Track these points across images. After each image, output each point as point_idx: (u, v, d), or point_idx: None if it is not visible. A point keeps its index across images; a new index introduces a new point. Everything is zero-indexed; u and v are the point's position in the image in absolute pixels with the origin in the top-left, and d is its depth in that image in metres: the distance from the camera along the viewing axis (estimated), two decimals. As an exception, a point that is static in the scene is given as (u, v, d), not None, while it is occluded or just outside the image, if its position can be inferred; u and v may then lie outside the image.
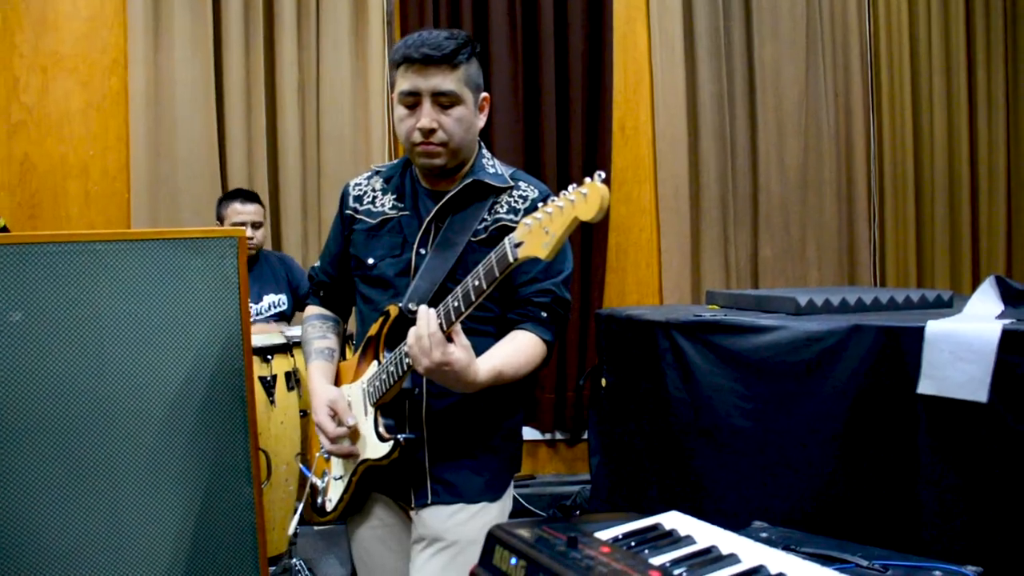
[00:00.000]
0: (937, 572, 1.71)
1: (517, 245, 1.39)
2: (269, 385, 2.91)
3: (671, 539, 1.06)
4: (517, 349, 1.72)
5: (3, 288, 1.77)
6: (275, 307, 3.73)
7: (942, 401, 2.22)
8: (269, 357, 2.93)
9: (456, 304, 1.51)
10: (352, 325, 2.01)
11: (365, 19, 4.30)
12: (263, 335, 3.07)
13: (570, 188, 1.29)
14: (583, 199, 1.27)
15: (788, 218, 4.76)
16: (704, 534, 1.08)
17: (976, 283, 4.64)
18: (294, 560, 3.07)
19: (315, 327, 2.00)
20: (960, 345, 2.22)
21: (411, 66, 1.71)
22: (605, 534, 1.06)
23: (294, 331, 3.39)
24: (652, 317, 2.93)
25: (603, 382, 3.26)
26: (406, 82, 1.73)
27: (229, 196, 3.73)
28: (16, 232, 2.56)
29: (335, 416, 1.79)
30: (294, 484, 3.00)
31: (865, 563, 1.98)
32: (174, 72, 4.13)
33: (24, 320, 1.78)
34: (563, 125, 4.46)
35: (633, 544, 1.02)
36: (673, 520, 1.14)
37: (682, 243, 4.63)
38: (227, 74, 4.18)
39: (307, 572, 3.10)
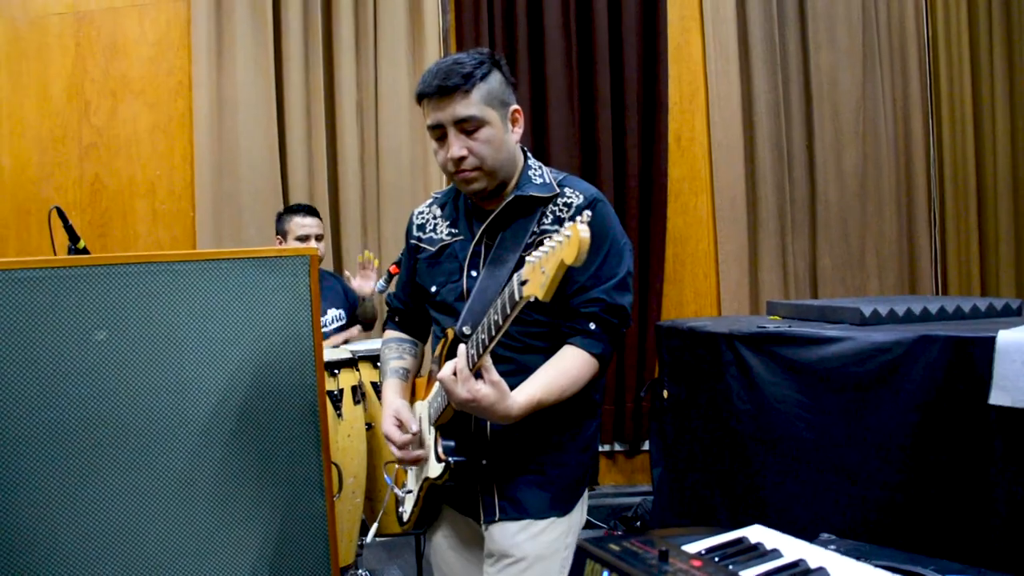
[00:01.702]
0: (1015, 586, 1.68)
1: (523, 283, 1.38)
2: (336, 399, 2.96)
3: (758, 553, 1.07)
4: (560, 372, 1.72)
5: (89, 307, 1.84)
6: (337, 320, 3.79)
7: (1015, 412, 2.18)
8: (336, 371, 2.99)
9: (483, 338, 1.52)
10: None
11: (421, 36, 4.37)
12: (330, 350, 3.14)
13: (565, 226, 1.28)
14: (567, 241, 1.26)
15: (847, 227, 4.71)
16: (789, 548, 1.09)
17: (1043, 291, 4.55)
18: (360, 571, 3.12)
19: (392, 348, 2.05)
20: (1033, 355, 2.18)
21: (430, 100, 1.73)
22: (692, 548, 1.07)
23: (359, 345, 3.44)
24: (715, 329, 2.93)
25: (664, 393, 3.26)
26: (429, 116, 1.75)
27: (290, 210, 3.80)
28: (90, 250, 2.65)
29: (400, 425, 1.83)
30: (361, 496, 3.05)
31: None
32: (237, 93, 4.24)
33: (107, 338, 1.85)
34: (619, 137, 4.47)
35: (722, 558, 1.04)
36: (757, 533, 1.15)
37: (740, 253, 4.60)
38: (287, 94, 4.27)
39: (372, 582, 3.15)
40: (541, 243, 1.71)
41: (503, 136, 1.76)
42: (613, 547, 1.03)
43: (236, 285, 1.97)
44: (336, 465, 2.64)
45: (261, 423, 1.99)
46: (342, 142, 4.34)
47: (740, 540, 1.12)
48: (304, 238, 3.72)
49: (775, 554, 1.06)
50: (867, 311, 2.74)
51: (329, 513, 2.11)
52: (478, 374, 1.56)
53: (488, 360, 1.56)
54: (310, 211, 3.80)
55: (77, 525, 1.83)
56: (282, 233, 3.75)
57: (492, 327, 1.49)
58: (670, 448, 3.25)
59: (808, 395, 2.63)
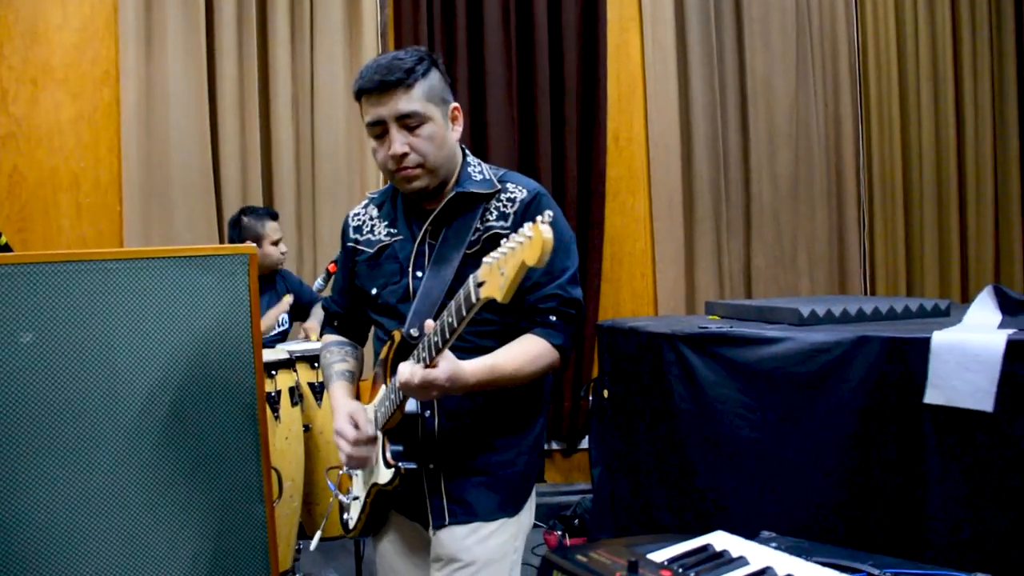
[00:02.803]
0: (946, 580, 1.72)
1: (480, 284, 1.36)
2: (273, 401, 2.89)
3: (724, 560, 1.06)
4: (518, 348, 1.70)
5: (14, 308, 1.75)
6: (281, 325, 3.71)
7: (949, 411, 2.24)
8: (273, 372, 2.91)
9: (436, 339, 1.49)
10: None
11: (359, 31, 4.29)
12: (267, 351, 3.06)
13: (526, 226, 1.26)
14: (529, 243, 1.24)
15: (780, 227, 4.80)
16: (755, 554, 1.09)
17: (964, 290, 4.71)
18: (297, 575, 3.06)
19: (333, 352, 2.00)
20: (966, 355, 2.24)
21: (369, 96, 1.70)
22: (658, 556, 1.06)
23: (296, 346, 3.37)
24: (657, 329, 2.94)
25: (605, 393, 3.26)
26: (369, 113, 1.72)
27: (258, 213, 3.71)
28: (9, 246, 2.53)
29: (356, 426, 1.78)
30: (299, 500, 2.98)
31: (877, 571, 2.00)
32: (167, 83, 4.10)
33: (34, 341, 1.76)
34: (558, 135, 4.47)
35: (689, 566, 1.02)
36: (721, 540, 1.14)
37: (676, 253, 4.65)
38: (220, 85, 4.15)
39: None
40: (489, 239, 1.70)
41: (444, 133, 1.74)
42: (580, 558, 1.01)
43: (171, 285, 1.90)
44: (276, 470, 2.58)
45: (199, 427, 1.92)
46: (277, 137, 4.23)
47: (705, 547, 1.11)
48: (277, 242, 3.70)
49: (741, 561, 1.06)
50: (805, 311, 2.78)
51: (269, 520, 2.05)
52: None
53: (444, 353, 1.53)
54: (274, 215, 3.77)
55: (4, 533, 1.73)
56: (256, 238, 3.63)
57: (446, 329, 1.45)
58: (610, 448, 3.25)
59: (750, 395, 2.66)
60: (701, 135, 4.67)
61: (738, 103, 4.78)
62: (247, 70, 4.16)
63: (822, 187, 4.84)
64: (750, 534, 2.39)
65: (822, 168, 4.84)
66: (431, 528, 1.79)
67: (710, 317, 3.32)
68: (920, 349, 2.32)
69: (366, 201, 1.97)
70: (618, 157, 4.67)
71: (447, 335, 1.46)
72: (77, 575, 1.79)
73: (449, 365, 1.52)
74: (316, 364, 3.28)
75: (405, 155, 1.69)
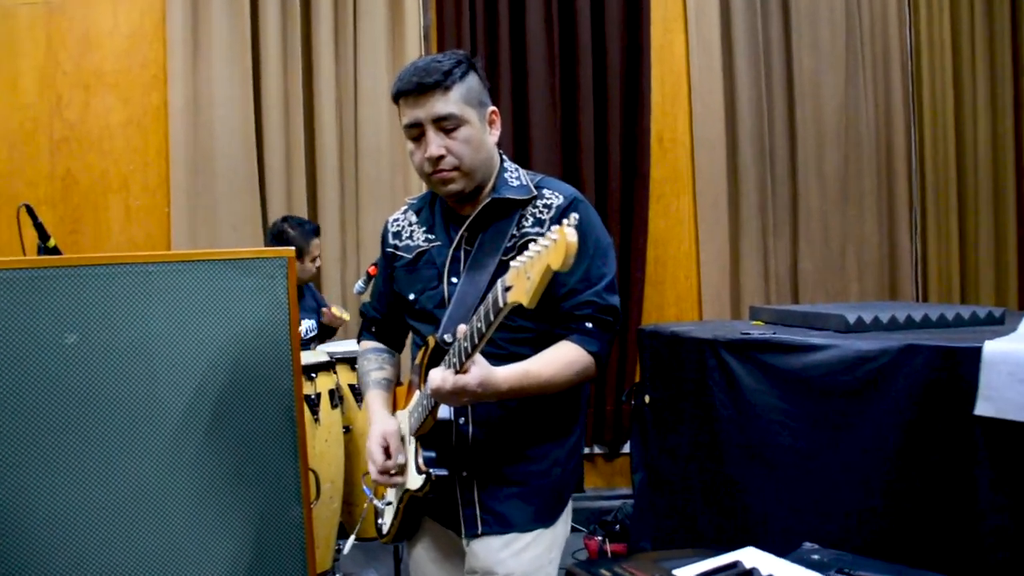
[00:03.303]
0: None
1: (507, 289, 1.34)
2: (313, 403, 2.91)
3: (754, 581, 1.03)
4: (553, 355, 1.68)
5: (59, 310, 1.78)
6: (310, 332, 3.75)
7: (1000, 423, 2.17)
8: (313, 375, 2.93)
9: (465, 345, 1.48)
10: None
11: (402, 34, 4.31)
12: (307, 353, 3.08)
13: (552, 229, 1.23)
14: (554, 246, 1.21)
15: (828, 230, 4.71)
16: (785, 573, 1.06)
17: (1022, 298, 4.56)
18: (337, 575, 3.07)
19: (371, 360, 2.00)
20: (1019, 366, 2.18)
21: (407, 98, 1.69)
22: (686, 573, 1.03)
23: (336, 347, 3.39)
24: (699, 334, 2.90)
25: (646, 398, 3.23)
26: (406, 115, 1.71)
27: (307, 229, 3.78)
28: (61, 247, 2.58)
29: (387, 450, 1.77)
30: (338, 501, 3.00)
31: None
32: (213, 88, 4.16)
33: (78, 342, 1.79)
34: (601, 137, 4.43)
35: (717, 587, 1.00)
36: (752, 557, 1.11)
37: (721, 255, 4.59)
38: (265, 89, 4.20)
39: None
40: (524, 247, 1.68)
41: (482, 136, 1.73)
42: (604, 573, 0.99)
43: (211, 287, 1.91)
44: (314, 471, 2.60)
45: (236, 429, 1.93)
46: (320, 139, 4.27)
47: (734, 564, 1.08)
48: (315, 259, 3.79)
49: (772, 582, 1.03)
50: (851, 318, 2.72)
51: (307, 522, 2.06)
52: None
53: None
54: (319, 230, 3.86)
55: (40, 534, 1.77)
56: (299, 251, 3.66)
57: (475, 334, 1.44)
58: (651, 453, 3.22)
59: (792, 403, 2.61)
60: (747, 135, 4.59)
61: (785, 102, 4.69)
62: (291, 74, 4.21)
63: (872, 188, 4.73)
64: (792, 545, 2.35)
65: (872, 169, 4.73)
66: (464, 537, 1.77)
67: (753, 322, 3.27)
68: (971, 359, 2.25)
69: (405, 207, 1.97)
70: (662, 158, 4.62)
71: (476, 340, 1.44)
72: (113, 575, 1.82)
73: (481, 371, 1.51)
74: (356, 366, 3.31)
75: (441, 157, 1.68)
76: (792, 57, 4.66)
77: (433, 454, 1.72)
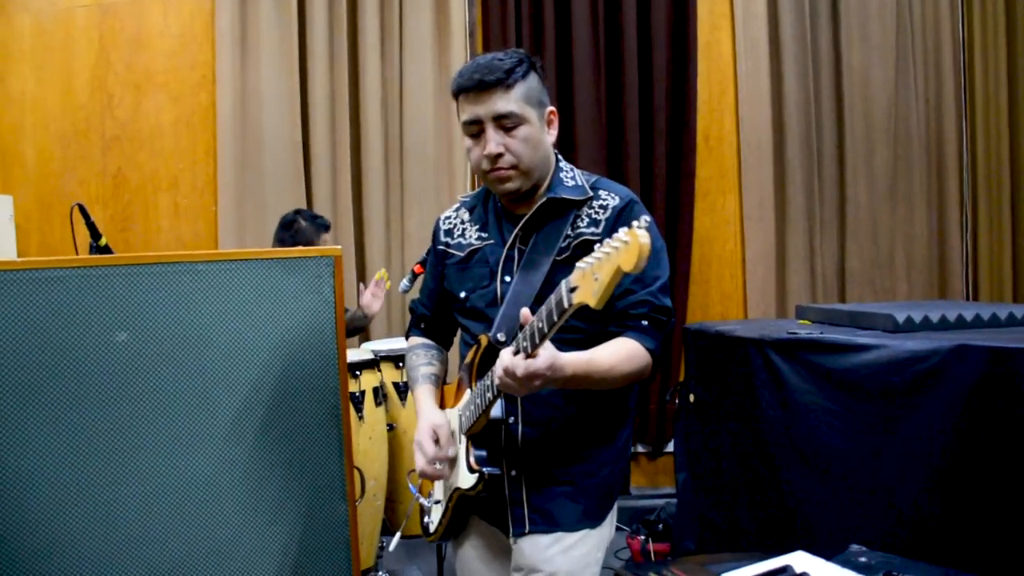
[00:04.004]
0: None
1: (572, 289, 1.33)
2: (358, 401, 2.93)
3: (806, 586, 1.02)
4: (612, 345, 1.67)
5: (110, 308, 1.82)
6: None
7: (1055, 427, 2.13)
8: (357, 373, 2.95)
9: (525, 344, 1.47)
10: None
11: (447, 32, 4.32)
12: (351, 350, 3.10)
13: (621, 231, 1.22)
14: (625, 248, 1.20)
15: (876, 228, 4.63)
16: (839, 580, 1.04)
17: (1078, 297, 4.44)
18: (380, 573, 3.09)
19: (419, 355, 2.00)
20: (1079, 369, 2.12)
21: (468, 94, 1.69)
22: (736, 578, 1.03)
23: (381, 345, 3.41)
24: (744, 334, 2.88)
25: (691, 397, 3.21)
26: (465, 112, 1.71)
27: (319, 223, 3.72)
28: (112, 245, 2.63)
29: (438, 441, 1.78)
30: (382, 499, 3.02)
31: None
32: (260, 87, 4.21)
33: (129, 340, 1.83)
34: (647, 136, 4.41)
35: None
36: (802, 561, 1.10)
37: (767, 254, 4.53)
38: (312, 89, 4.24)
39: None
40: (579, 247, 1.68)
41: (540, 136, 1.73)
42: (651, 575, 0.98)
43: (259, 286, 1.94)
44: (358, 469, 2.62)
45: (283, 427, 1.96)
46: (366, 139, 4.30)
47: (784, 569, 1.07)
48: None
49: (825, 588, 1.02)
50: (900, 317, 2.68)
51: (352, 519, 2.08)
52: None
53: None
54: (329, 226, 3.75)
55: (98, 528, 1.82)
56: (311, 243, 3.65)
57: (536, 335, 1.44)
58: (695, 453, 3.20)
59: (840, 404, 2.58)
60: (794, 133, 4.53)
61: (833, 99, 4.61)
62: (338, 73, 4.24)
63: (922, 187, 4.64)
64: (838, 547, 2.32)
65: (922, 166, 4.64)
66: (511, 536, 1.78)
67: (800, 321, 3.23)
68: None
69: (457, 204, 1.97)
70: (708, 157, 4.58)
71: (537, 340, 1.44)
72: (165, 570, 1.86)
73: (549, 354, 1.49)
74: (401, 364, 3.31)
75: (500, 155, 1.68)
76: (840, 53, 4.59)
77: (484, 453, 1.72)
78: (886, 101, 4.63)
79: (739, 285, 4.62)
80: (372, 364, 3.06)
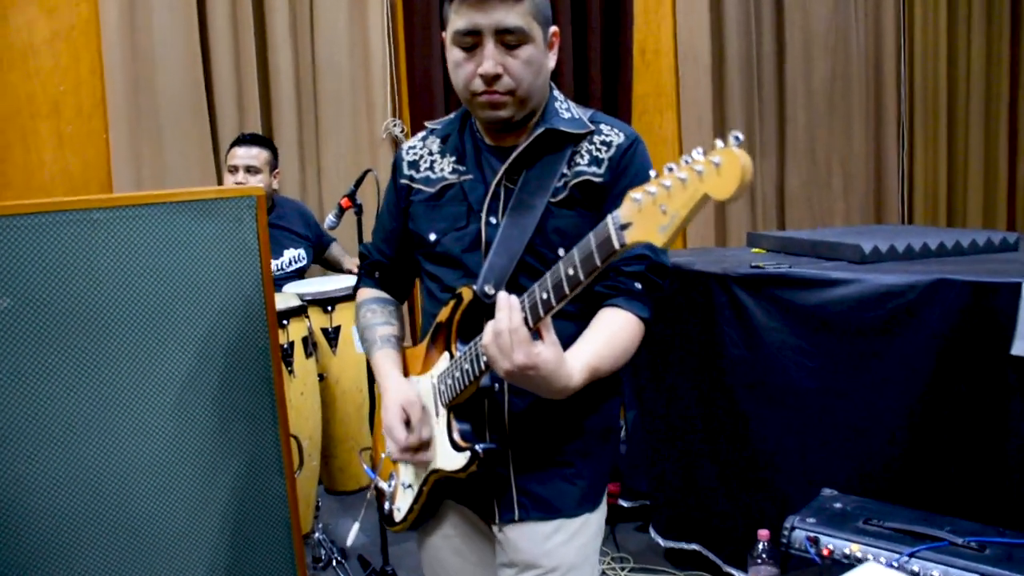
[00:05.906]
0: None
1: (624, 227, 1.10)
2: (287, 354, 2.64)
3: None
4: (613, 336, 1.45)
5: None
6: (295, 262, 3.43)
7: (1035, 363, 2.10)
8: (285, 322, 2.64)
9: (545, 296, 1.23)
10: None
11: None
12: (276, 297, 2.80)
13: (694, 154, 1.00)
14: (715, 171, 0.97)
15: (815, 147, 4.57)
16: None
17: (1012, 218, 4.49)
18: (317, 535, 2.87)
19: (375, 312, 1.72)
20: (1063, 304, 2.04)
21: (467, 0, 1.42)
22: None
23: (306, 288, 3.11)
24: (705, 268, 2.74)
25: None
26: (462, 19, 1.42)
27: (235, 141, 3.45)
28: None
29: (408, 422, 1.52)
30: (317, 458, 2.78)
31: (959, 540, 1.82)
32: (149, -3, 3.74)
33: (13, 307, 1.55)
34: (580, 49, 4.16)
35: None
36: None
37: (706, 176, 4.39)
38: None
39: (329, 544, 2.90)
40: (577, 187, 1.46)
41: (543, 59, 1.48)
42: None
43: (169, 235, 1.69)
44: (296, 438, 2.35)
45: (206, 396, 1.74)
46: (274, 52, 3.87)
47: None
48: (233, 169, 3.37)
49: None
50: (867, 247, 2.61)
51: (291, 495, 1.87)
52: (534, 335, 1.28)
53: (548, 319, 1.28)
54: (244, 140, 3.44)
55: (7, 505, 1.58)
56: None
57: (567, 283, 1.20)
58: (648, 391, 3.05)
59: (811, 341, 2.49)
60: (733, 48, 4.39)
61: (773, 12, 4.48)
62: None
63: (860, 103, 4.61)
64: (807, 490, 2.21)
65: (861, 83, 4.61)
66: (498, 523, 1.56)
67: (753, 250, 3.09)
68: (1008, 295, 2.14)
69: (425, 132, 1.69)
70: (645, 72, 4.38)
71: (566, 290, 1.20)
72: (70, 557, 1.64)
73: (559, 354, 1.29)
74: (329, 308, 3.03)
75: (497, 77, 1.43)
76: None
77: (468, 427, 1.49)
78: (826, 14, 4.52)
79: (678, 209, 4.48)
80: (299, 311, 2.75)
